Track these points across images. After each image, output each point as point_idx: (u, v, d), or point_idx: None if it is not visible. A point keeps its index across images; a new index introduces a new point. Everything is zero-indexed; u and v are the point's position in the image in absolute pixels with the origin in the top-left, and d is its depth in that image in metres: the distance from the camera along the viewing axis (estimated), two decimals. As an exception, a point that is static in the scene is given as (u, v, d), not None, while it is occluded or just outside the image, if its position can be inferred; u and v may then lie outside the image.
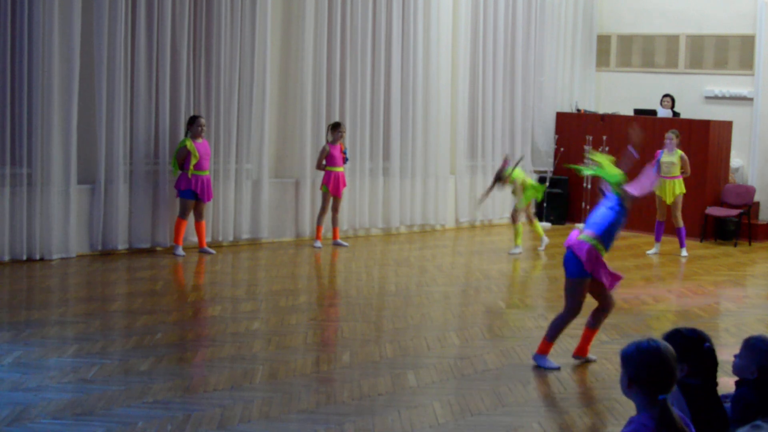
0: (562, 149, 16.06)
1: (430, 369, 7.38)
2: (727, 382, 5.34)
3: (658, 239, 13.36)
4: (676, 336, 4.33)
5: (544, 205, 15.81)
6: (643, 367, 3.65)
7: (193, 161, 11.57)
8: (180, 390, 6.64)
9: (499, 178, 12.52)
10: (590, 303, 7.61)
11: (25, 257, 10.90)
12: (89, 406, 6.21)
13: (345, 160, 12.78)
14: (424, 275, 11.35)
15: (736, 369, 4.65)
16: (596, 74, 17.00)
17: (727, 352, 5.08)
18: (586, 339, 7.70)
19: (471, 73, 15.21)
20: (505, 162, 12.62)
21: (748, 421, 4.23)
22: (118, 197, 11.51)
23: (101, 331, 8.14)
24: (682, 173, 13.08)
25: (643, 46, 16.55)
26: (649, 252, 13.29)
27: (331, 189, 12.63)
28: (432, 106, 14.57)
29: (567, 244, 7.40)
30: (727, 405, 4.59)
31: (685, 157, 13.12)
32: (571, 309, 7.41)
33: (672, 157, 13.02)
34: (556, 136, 16.25)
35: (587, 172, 7.88)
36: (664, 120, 15.07)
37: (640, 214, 15.03)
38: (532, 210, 13.19)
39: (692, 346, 4.29)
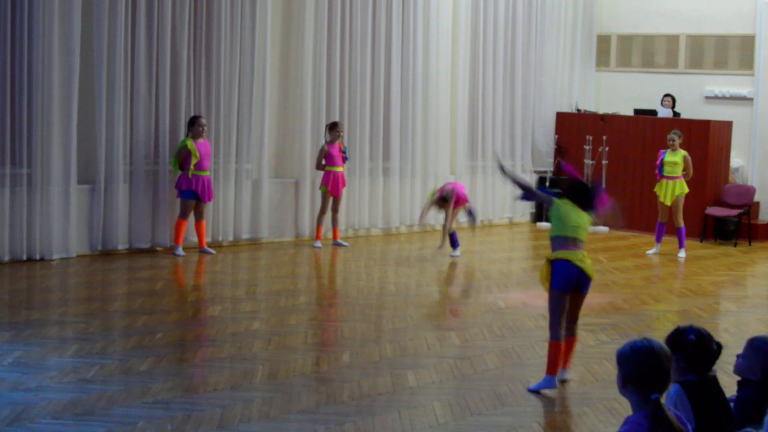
0: (562, 149, 16.06)
1: (430, 369, 7.38)
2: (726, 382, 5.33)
3: (658, 239, 13.33)
4: (671, 332, 4.36)
5: (544, 205, 15.78)
6: (637, 366, 3.68)
7: (194, 161, 11.57)
8: (180, 390, 6.64)
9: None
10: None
11: (25, 257, 10.90)
12: (89, 406, 6.21)
13: (344, 159, 12.78)
14: (424, 275, 11.35)
15: (739, 369, 4.62)
16: (596, 74, 16.99)
17: (726, 352, 5.06)
18: None
19: (471, 73, 15.20)
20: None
21: (750, 422, 4.23)
22: (118, 197, 11.51)
23: (101, 331, 8.14)
24: (684, 174, 13.05)
25: (643, 46, 16.55)
26: (649, 252, 13.28)
27: (331, 189, 12.62)
28: (432, 106, 14.56)
29: None
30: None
31: (689, 158, 13.08)
32: None
33: (675, 157, 13.00)
34: (556, 136, 16.25)
35: None
36: (664, 120, 15.06)
37: (641, 215, 15.06)
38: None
39: (679, 338, 4.30)
